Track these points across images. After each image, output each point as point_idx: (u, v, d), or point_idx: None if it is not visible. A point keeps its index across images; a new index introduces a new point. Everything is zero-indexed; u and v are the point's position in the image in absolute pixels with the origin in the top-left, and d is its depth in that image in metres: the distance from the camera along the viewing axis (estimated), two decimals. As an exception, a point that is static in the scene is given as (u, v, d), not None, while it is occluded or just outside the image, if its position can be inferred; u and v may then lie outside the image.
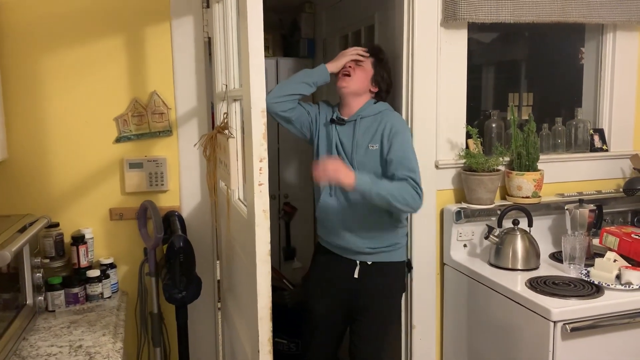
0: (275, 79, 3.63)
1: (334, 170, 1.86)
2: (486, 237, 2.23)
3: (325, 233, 2.21)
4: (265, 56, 3.61)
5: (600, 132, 2.64)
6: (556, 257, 2.33)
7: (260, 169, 1.31)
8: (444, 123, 2.36)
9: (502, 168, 2.40)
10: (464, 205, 2.35)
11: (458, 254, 2.36)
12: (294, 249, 3.78)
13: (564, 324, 1.79)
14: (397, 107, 2.37)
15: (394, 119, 2.09)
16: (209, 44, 2.11)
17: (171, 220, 2.04)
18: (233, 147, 1.58)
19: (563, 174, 2.56)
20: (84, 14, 1.98)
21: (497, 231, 2.23)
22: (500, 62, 3.29)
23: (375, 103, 2.14)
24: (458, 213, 2.31)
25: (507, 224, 2.25)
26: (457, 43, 2.34)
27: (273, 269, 3.71)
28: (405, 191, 1.93)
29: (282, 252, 3.78)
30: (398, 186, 1.94)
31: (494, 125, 2.50)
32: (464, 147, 2.40)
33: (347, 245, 2.11)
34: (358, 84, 2.10)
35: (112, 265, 2.05)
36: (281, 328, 3.09)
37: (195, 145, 1.97)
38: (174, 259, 1.89)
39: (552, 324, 1.79)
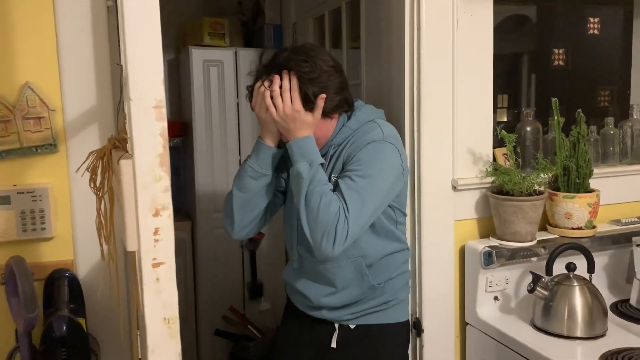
0: (234, 75, 2.91)
1: (291, 118, 1.31)
2: (531, 290, 1.56)
3: (294, 299, 1.63)
4: (220, 46, 2.89)
5: (660, 136, 2.01)
6: (621, 310, 1.68)
7: (155, 232, 0.61)
8: (463, 127, 1.69)
9: (540, 188, 1.74)
10: (494, 242, 1.68)
11: (486, 310, 1.69)
12: (261, 285, 3.05)
13: None
14: (397, 107, 1.69)
15: (371, 133, 1.39)
16: (115, 10, 1.38)
17: (56, 286, 1.30)
18: (128, 173, 0.85)
19: (618, 192, 1.92)
20: None
21: (545, 281, 1.56)
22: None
23: (349, 118, 1.43)
24: (488, 255, 1.63)
25: (557, 267, 1.59)
26: (480, 13, 1.68)
27: (236, 313, 3.00)
28: (326, 214, 1.26)
29: (247, 289, 3.05)
30: (326, 200, 1.27)
31: (528, 129, 1.83)
32: (491, 159, 1.74)
33: (321, 316, 1.54)
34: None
35: (-36, 358, 1.30)
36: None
37: (77, 169, 1.24)
38: (53, 353, 1.15)
39: None
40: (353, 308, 1.52)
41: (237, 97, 2.95)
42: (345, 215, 1.27)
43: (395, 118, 1.69)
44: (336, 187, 1.33)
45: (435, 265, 1.70)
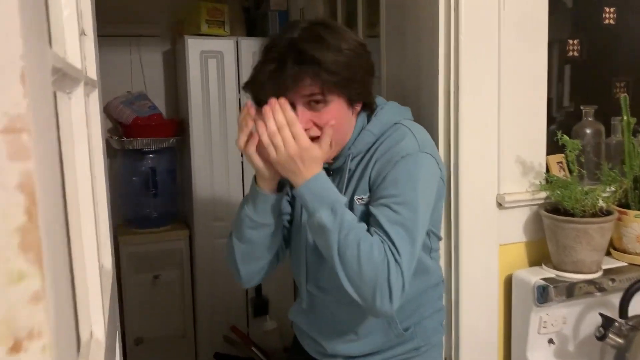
0: (235, 68, 2.60)
1: (298, 158, 0.98)
2: (602, 337, 1.24)
3: (303, 343, 1.33)
4: (220, 35, 2.56)
5: None
6: None
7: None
8: (511, 130, 1.37)
9: (602, 204, 1.41)
10: (549, 272, 1.36)
11: (539, 355, 1.38)
12: (266, 301, 2.76)
13: None
14: (429, 106, 1.38)
15: (402, 143, 1.08)
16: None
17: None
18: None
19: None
20: None
21: (619, 325, 1.24)
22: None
23: (370, 120, 1.12)
24: (542, 289, 1.31)
25: (633, 306, 1.27)
26: (535, -10, 1.35)
27: (239, 332, 2.70)
28: (371, 265, 0.95)
29: (251, 305, 2.76)
30: (365, 247, 0.96)
31: (588, 131, 1.50)
32: (544, 169, 1.42)
33: None
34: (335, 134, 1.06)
35: None
36: None
37: None
38: None
39: None
40: (376, 357, 1.22)
41: (239, 92, 2.64)
42: (396, 260, 0.97)
43: (425, 119, 1.38)
44: (367, 216, 1.03)
45: (475, 299, 1.39)
